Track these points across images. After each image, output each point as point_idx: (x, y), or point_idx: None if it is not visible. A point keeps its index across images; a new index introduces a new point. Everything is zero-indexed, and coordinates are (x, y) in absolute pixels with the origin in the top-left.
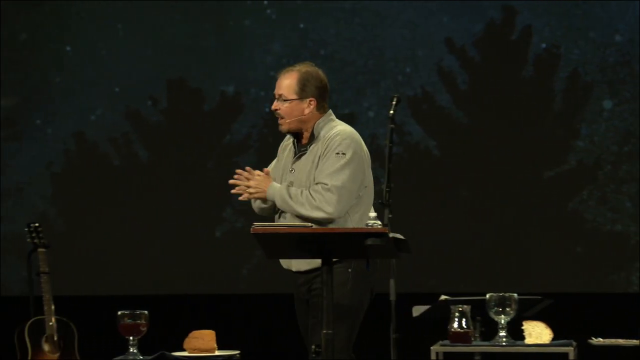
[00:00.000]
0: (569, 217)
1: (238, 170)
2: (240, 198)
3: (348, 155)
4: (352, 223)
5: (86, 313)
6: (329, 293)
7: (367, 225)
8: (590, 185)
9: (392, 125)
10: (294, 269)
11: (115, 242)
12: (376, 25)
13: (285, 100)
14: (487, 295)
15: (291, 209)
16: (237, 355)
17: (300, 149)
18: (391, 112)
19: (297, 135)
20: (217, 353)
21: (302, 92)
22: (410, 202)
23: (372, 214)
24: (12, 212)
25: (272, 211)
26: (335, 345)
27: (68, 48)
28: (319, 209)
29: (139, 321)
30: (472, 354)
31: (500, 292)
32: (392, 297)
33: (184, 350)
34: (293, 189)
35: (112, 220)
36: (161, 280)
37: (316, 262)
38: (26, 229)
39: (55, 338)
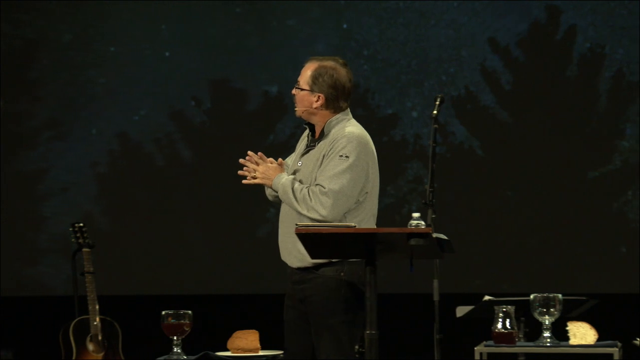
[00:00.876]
0: (614, 218)
1: (250, 152)
2: (244, 182)
3: (351, 159)
4: None
5: (130, 313)
6: (372, 293)
7: (410, 225)
8: (635, 186)
9: (436, 125)
10: (288, 263)
11: (158, 242)
12: (420, 25)
13: (299, 88)
14: (531, 296)
15: (290, 203)
16: (281, 355)
17: (310, 144)
18: (435, 112)
19: (312, 128)
20: (260, 353)
21: (314, 85)
22: (454, 202)
23: (416, 214)
24: (57, 211)
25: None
26: (341, 348)
27: (112, 48)
28: (313, 209)
29: (182, 321)
30: (516, 354)
31: (545, 293)
32: (436, 298)
33: (227, 350)
34: (297, 184)
35: (156, 220)
36: (205, 280)
37: (307, 261)
38: (70, 229)
39: (100, 337)
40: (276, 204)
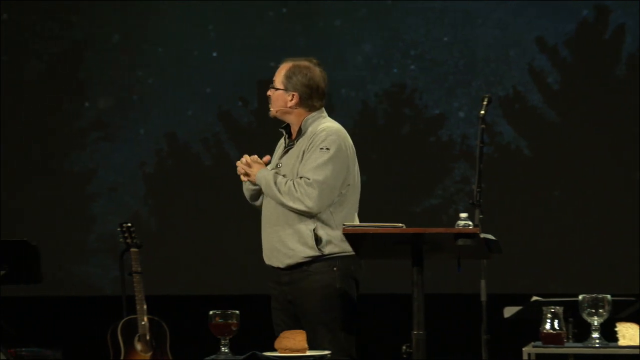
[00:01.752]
0: None
1: (246, 156)
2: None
3: (332, 151)
4: (336, 222)
5: (178, 312)
6: (419, 294)
7: (457, 225)
8: None
9: (483, 126)
10: (275, 264)
11: (206, 242)
12: (467, 25)
13: (274, 88)
14: (580, 297)
15: (273, 195)
16: (328, 356)
17: (289, 144)
18: (482, 112)
19: (288, 131)
20: (308, 353)
21: (288, 83)
22: (502, 202)
23: (463, 214)
24: (106, 212)
25: (259, 196)
26: (337, 344)
27: (160, 49)
28: (299, 201)
29: (230, 321)
30: (564, 355)
31: (593, 293)
32: (483, 298)
33: (275, 350)
34: (281, 178)
35: (204, 220)
36: (252, 279)
37: (299, 256)
38: (119, 229)
39: (148, 337)
40: (253, 199)
